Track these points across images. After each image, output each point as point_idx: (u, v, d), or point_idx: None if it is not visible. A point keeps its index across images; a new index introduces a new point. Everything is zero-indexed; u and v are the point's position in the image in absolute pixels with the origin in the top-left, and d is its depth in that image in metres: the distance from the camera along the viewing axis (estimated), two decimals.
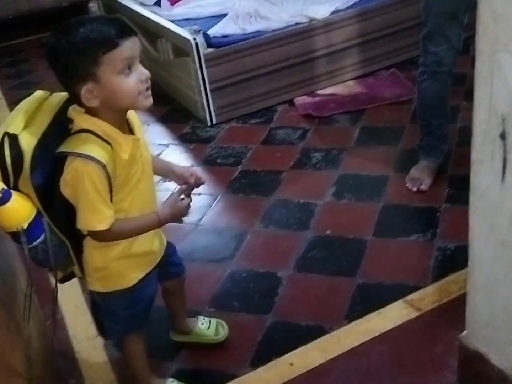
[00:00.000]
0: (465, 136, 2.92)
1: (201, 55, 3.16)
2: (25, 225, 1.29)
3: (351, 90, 3.49)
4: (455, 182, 2.51)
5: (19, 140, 1.25)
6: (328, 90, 3.52)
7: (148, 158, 1.46)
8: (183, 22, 3.49)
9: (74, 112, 1.32)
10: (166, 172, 1.59)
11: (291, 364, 1.80)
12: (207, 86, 3.24)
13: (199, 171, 1.54)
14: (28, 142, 1.26)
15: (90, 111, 1.32)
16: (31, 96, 1.40)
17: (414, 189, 2.51)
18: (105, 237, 1.38)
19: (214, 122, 3.33)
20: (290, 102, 3.46)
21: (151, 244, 1.53)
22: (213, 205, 2.63)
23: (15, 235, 1.32)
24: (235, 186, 2.77)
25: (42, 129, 1.29)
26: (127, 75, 1.27)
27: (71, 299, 2.17)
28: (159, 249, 1.58)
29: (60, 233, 1.38)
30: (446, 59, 2.36)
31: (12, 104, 4.01)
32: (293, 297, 2.07)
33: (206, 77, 3.21)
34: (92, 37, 1.24)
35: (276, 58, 3.37)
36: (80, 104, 1.31)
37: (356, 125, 3.13)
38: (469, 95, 1.34)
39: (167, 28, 3.34)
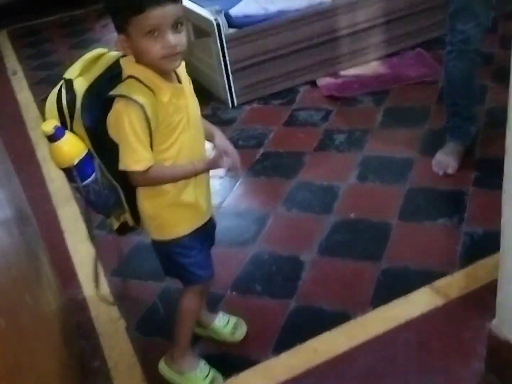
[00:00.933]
0: (494, 117, 2.89)
1: (223, 35, 3.11)
2: (75, 161, 1.36)
3: (375, 70, 3.42)
4: (483, 165, 2.44)
5: (74, 84, 1.36)
6: (352, 71, 3.45)
7: (195, 109, 1.47)
8: (204, 1, 3.43)
9: (124, 61, 1.39)
10: (207, 135, 1.59)
11: (315, 350, 1.77)
12: (229, 67, 3.19)
13: (237, 158, 1.51)
14: (80, 86, 1.36)
15: (137, 60, 1.36)
16: (91, 51, 1.46)
17: (441, 173, 2.45)
18: (141, 179, 1.40)
19: (236, 103, 3.29)
20: (313, 83, 3.40)
21: (199, 197, 1.54)
22: (235, 187, 2.61)
23: (69, 174, 1.39)
24: (257, 168, 2.74)
25: (95, 76, 1.38)
26: (154, 39, 1.29)
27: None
28: (206, 209, 1.59)
29: (111, 177, 1.44)
30: (474, 37, 2.29)
31: (33, 84, 4.01)
32: (316, 281, 2.04)
33: (228, 58, 3.17)
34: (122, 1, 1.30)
35: (298, 38, 3.30)
36: None
37: (380, 106, 3.06)
38: (497, 75, 1.28)
39: (188, 9, 3.29)
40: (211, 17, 3.12)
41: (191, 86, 1.48)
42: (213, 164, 1.47)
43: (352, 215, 2.32)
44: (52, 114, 1.38)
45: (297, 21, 3.28)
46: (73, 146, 1.37)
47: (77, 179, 1.39)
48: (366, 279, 2.01)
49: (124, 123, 1.32)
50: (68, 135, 1.36)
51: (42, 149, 3.13)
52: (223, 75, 3.21)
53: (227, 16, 3.16)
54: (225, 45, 3.13)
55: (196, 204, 1.54)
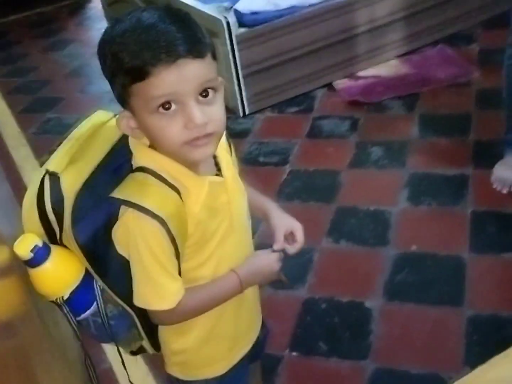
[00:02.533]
0: None
1: (233, 36, 2.74)
2: (66, 295, 0.95)
3: (397, 70, 3.10)
4: None
5: (60, 181, 0.92)
6: (371, 71, 3.13)
7: (241, 205, 1.04)
8: None
9: (135, 143, 0.94)
10: (259, 215, 1.15)
11: None
12: (239, 71, 2.83)
13: (300, 231, 1.10)
14: (71, 184, 0.92)
15: (153, 144, 0.93)
16: (87, 118, 1.02)
17: (504, 191, 2.16)
18: (168, 318, 0.98)
19: (247, 112, 2.93)
20: (329, 86, 3.06)
21: (241, 324, 1.12)
22: None
23: (58, 305, 0.97)
24: (287, 190, 2.39)
25: (93, 166, 0.94)
26: (168, 116, 0.85)
27: None
28: (255, 328, 1.19)
29: (121, 301, 1.00)
30: None
31: (8, 94, 3.56)
32: (391, 336, 1.73)
33: (239, 61, 2.80)
34: (122, 51, 0.83)
35: (313, 37, 2.95)
36: None
37: (413, 112, 2.75)
38: None
39: (192, 7, 2.89)
40: (219, 16, 2.74)
41: (235, 166, 1.04)
42: (266, 273, 1.06)
43: (414, 248, 2.01)
44: (31, 221, 0.95)
45: (312, 19, 2.93)
46: (63, 273, 0.95)
47: (69, 316, 0.97)
48: (452, 331, 1.71)
49: (139, 246, 0.89)
50: (55, 256, 0.93)
51: (29, 174, 2.71)
52: (233, 80, 2.84)
53: (237, 14, 2.79)
54: (235, 47, 2.76)
55: (236, 334, 1.12)
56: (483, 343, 1.65)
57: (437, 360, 1.63)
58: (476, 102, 2.71)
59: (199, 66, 0.84)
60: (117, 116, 1.00)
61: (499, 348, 1.62)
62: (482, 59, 3.03)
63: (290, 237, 1.09)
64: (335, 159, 2.54)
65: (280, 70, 2.95)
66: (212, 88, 0.87)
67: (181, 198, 0.91)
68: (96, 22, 4.51)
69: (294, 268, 1.98)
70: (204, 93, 0.86)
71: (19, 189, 2.54)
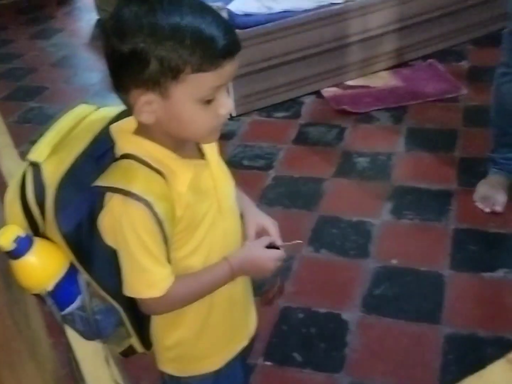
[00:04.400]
0: None
1: None
2: (50, 287, 0.92)
3: (386, 82, 3.09)
4: None
5: (42, 170, 0.91)
6: (360, 81, 3.12)
7: (227, 188, 1.03)
8: None
9: (117, 130, 0.93)
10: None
11: None
12: None
13: (273, 227, 1.08)
14: (52, 173, 0.91)
15: (141, 129, 0.91)
16: (70, 111, 1.00)
17: (487, 209, 2.15)
18: (158, 306, 0.96)
19: (234, 114, 2.90)
20: (318, 94, 3.05)
21: (236, 311, 1.10)
22: None
23: (41, 298, 0.95)
24: (270, 196, 2.36)
25: (75, 156, 0.92)
26: (206, 105, 0.87)
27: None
28: (252, 321, 1.17)
29: (107, 295, 0.97)
30: None
31: None
32: (367, 349, 1.70)
33: None
34: (186, 41, 0.81)
35: (305, 43, 2.94)
36: (130, 114, 0.90)
37: (401, 124, 2.74)
38: None
39: None
40: None
41: (216, 152, 1.02)
42: (260, 264, 1.03)
43: (394, 262, 1.99)
44: (14, 213, 0.93)
45: (305, 24, 2.92)
46: (46, 264, 0.92)
47: (54, 309, 0.94)
48: (428, 347, 1.69)
49: (125, 232, 0.88)
50: (38, 247, 0.91)
51: (7, 163, 2.64)
52: None
53: (229, 15, 2.76)
54: None
55: (231, 325, 1.10)
56: (459, 362, 1.63)
57: (412, 377, 1.61)
58: (463, 119, 2.71)
59: (237, 62, 0.88)
60: (100, 108, 1.00)
61: (475, 368, 1.61)
62: (471, 76, 3.04)
63: (263, 234, 1.07)
64: (320, 167, 2.51)
65: (270, 74, 2.92)
66: None
67: (166, 182, 0.90)
68: (86, 13, 4.45)
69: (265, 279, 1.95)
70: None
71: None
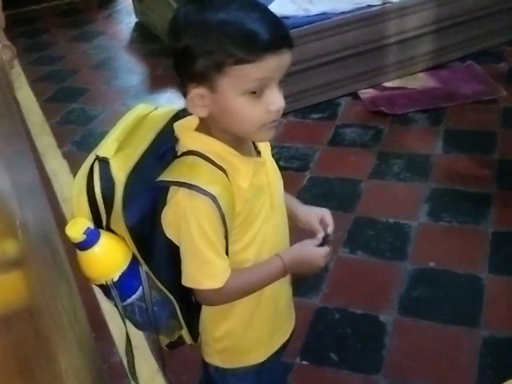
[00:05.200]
0: None
1: None
2: (116, 277, 0.97)
3: (423, 84, 3.08)
4: None
5: (110, 166, 0.95)
6: (397, 83, 3.11)
7: (278, 187, 1.08)
8: None
9: (180, 128, 0.98)
10: (288, 213, 1.16)
11: None
12: None
13: (329, 215, 1.13)
14: (121, 169, 0.95)
15: (202, 127, 0.96)
16: (131, 110, 1.05)
17: None
18: (215, 298, 1.00)
19: None
20: (354, 95, 3.05)
21: (281, 306, 1.14)
22: None
23: (105, 289, 0.99)
24: (305, 197, 2.38)
25: (140, 152, 0.97)
26: (254, 99, 0.90)
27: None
28: (292, 317, 1.21)
29: (164, 288, 1.02)
30: None
31: (34, 82, 3.59)
32: (405, 351, 1.71)
33: None
34: (227, 37, 0.86)
35: (342, 45, 2.95)
36: (188, 112, 0.96)
37: (438, 126, 2.73)
38: None
39: None
40: None
41: (270, 151, 1.07)
42: (310, 262, 1.07)
43: (432, 264, 1.99)
44: (81, 207, 0.97)
45: (342, 26, 2.92)
46: (113, 255, 0.97)
47: (117, 299, 0.98)
48: (465, 350, 1.69)
49: (190, 224, 0.92)
50: (104, 239, 0.95)
51: (51, 162, 2.73)
52: None
53: None
54: None
55: (275, 319, 1.13)
56: (496, 366, 1.63)
57: (449, 380, 1.61)
58: (501, 121, 2.69)
59: (290, 57, 0.91)
60: (158, 107, 1.05)
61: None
62: (510, 77, 3.01)
63: (321, 224, 1.12)
64: (356, 168, 2.52)
65: (306, 75, 2.94)
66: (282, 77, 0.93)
67: (228, 178, 0.94)
68: (125, 16, 4.53)
69: (309, 275, 1.98)
70: (281, 81, 0.92)
71: (41, 176, 2.58)
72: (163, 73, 3.45)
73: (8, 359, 0.53)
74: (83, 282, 1.75)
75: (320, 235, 1.10)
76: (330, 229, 1.12)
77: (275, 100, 0.91)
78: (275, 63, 0.88)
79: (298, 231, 1.14)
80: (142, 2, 4.09)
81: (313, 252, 1.07)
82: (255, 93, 0.89)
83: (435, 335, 1.74)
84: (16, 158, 1.30)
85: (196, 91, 0.91)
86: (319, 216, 1.13)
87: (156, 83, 3.48)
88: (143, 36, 4.14)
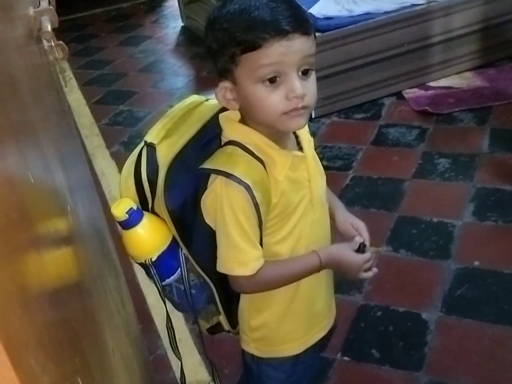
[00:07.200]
0: None
1: None
2: (155, 256, 1.01)
3: (470, 83, 3.04)
4: None
5: (156, 151, 1.00)
6: (442, 82, 3.08)
7: (320, 183, 1.09)
8: None
9: (225, 118, 1.02)
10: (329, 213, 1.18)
11: None
12: None
13: (365, 230, 1.14)
14: (165, 155, 1.00)
15: (243, 119, 1.00)
16: (182, 101, 1.09)
17: None
18: (248, 285, 1.03)
19: (313, 115, 2.94)
20: (398, 95, 3.04)
21: (318, 300, 1.16)
22: None
23: (145, 267, 1.04)
24: (349, 196, 2.39)
25: (185, 140, 1.01)
26: (271, 87, 0.92)
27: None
28: (331, 313, 1.22)
29: (203, 272, 1.05)
30: None
31: (84, 85, 3.70)
32: (447, 349, 1.70)
33: None
34: (235, 26, 0.90)
35: (386, 44, 2.94)
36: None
37: (484, 126, 2.69)
38: None
39: None
40: None
41: (312, 147, 1.08)
42: (348, 264, 1.07)
43: (476, 264, 1.96)
44: (127, 188, 1.03)
45: (386, 26, 2.92)
46: (153, 235, 1.02)
47: (156, 278, 1.03)
48: (509, 350, 1.67)
49: (224, 212, 0.96)
50: (147, 220, 1.00)
51: (100, 162, 2.82)
52: None
53: (311, 18, 2.81)
54: None
55: (312, 313, 1.15)
56: None
57: (492, 379, 1.59)
58: None
59: (305, 42, 0.91)
60: (209, 99, 1.08)
61: None
62: None
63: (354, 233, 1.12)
64: (399, 167, 2.51)
65: (350, 76, 2.95)
66: (309, 64, 0.94)
67: (265, 169, 0.97)
68: (172, 21, 4.63)
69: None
70: (304, 71, 0.93)
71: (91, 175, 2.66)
72: (208, 76, 3.51)
73: (59, 329, 0.57)
74: (130, 277, 1.81)
75: (358, 238, 1.10)
76: (366, 239, 1.11)
77: (293, 86, 0.91)
78: (282, 48, 0.89)
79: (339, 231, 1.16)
80: (188, 6, 4.17)
81: (350, 256, 1.08)
82: (272, 82, 0.91)
83: (478, 334, 1.72)
84: (69, 156, 1.36)
85: (222, 85, 0.95)
86: (354, 226, 1.14)
87: (201, 85, 3.54)
88: (189, 39, 4.22)
